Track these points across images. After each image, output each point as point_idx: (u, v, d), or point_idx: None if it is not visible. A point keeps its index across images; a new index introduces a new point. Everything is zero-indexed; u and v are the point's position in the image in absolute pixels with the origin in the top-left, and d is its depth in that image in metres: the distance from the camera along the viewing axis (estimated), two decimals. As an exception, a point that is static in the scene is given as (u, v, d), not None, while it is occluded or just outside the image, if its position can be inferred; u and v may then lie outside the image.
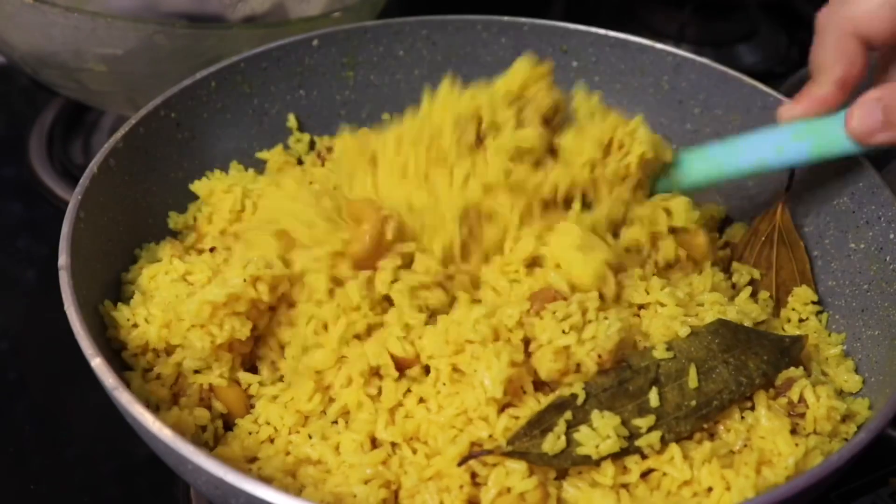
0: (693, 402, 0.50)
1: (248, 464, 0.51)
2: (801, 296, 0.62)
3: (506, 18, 0.76)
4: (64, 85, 0.80)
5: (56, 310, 0.50)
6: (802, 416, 0.51)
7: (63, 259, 0.51)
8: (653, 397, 0.49)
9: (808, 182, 0.66)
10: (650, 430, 0.48)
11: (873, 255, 0.59)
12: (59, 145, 0.91)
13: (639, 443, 0.48)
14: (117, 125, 0.74)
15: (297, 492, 0.49)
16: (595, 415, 0.48)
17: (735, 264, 0.64)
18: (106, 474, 0.65)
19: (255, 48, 0.71)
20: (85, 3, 0.81)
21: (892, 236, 0.58)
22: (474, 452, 0.47)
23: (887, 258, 0.58)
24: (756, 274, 0.63)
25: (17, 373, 0.72)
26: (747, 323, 0.56)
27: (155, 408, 0.53)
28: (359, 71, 0.76)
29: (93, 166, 0.58)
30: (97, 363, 0.46)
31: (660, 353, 0.51)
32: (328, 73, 0.75)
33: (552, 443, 0.47)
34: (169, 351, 0.55)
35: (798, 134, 0.59)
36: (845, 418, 0.52)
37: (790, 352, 0.54)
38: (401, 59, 0.76)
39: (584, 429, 0.47)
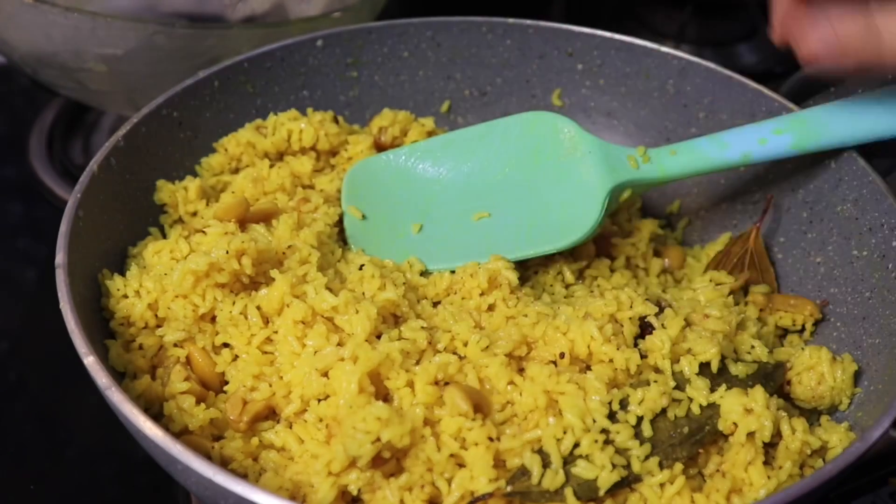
0: (686, 429, 0.50)
1: (212, 441, 0.51)
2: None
3: (511, 20, 0.76)
4: (64, 85, 0.80)
5: (56, 310, 0.50)
6: (775, 446, 0.51)
7: (60, 257, 0.51)
8: (646, 427, 0.50)
9: (811, 188, 0.66)
10: (647, 457, 0.49)
11: (876, 262, 0.59)
12: (59, 145, 0.91)
13: (638, 470, 0.48)
14: (117, 125, 0.73)
15: (257, 475, 0.49)
16: (590, 446, 0.48)
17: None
18: (106, 474, 0.65)
19: (256, 48, 0.71)
20: (85, 3, 0.80)
21: (894, 244, 0.58)
22: (476, 497, 0.47)
23: (889, 266, 0.58)
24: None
25: (17, 373, 0.72)
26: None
27: (132, 376, 0.53)
28: (363, 72, 0.76)
29: (93, 165, 0.58)
30: (90, 361, 0.46)
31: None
32: (332, 73, 0.75)
33: (551, 479, 0.47)
34: (150, 325, 0.55)
35: (779, 128, 0.60)
36: (814, 452, 0.52)
37: (773, 377, 0.55)
38: (405, 60, 0.76)
39: (581, 462, 0.48)
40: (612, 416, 0.50)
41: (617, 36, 0.75)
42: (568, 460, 0.48)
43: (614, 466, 0.48)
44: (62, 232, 0.53)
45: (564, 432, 0.49)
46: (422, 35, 0.76)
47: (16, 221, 0.86)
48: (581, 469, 0.47)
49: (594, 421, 0.49)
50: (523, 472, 0.48)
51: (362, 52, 0.75)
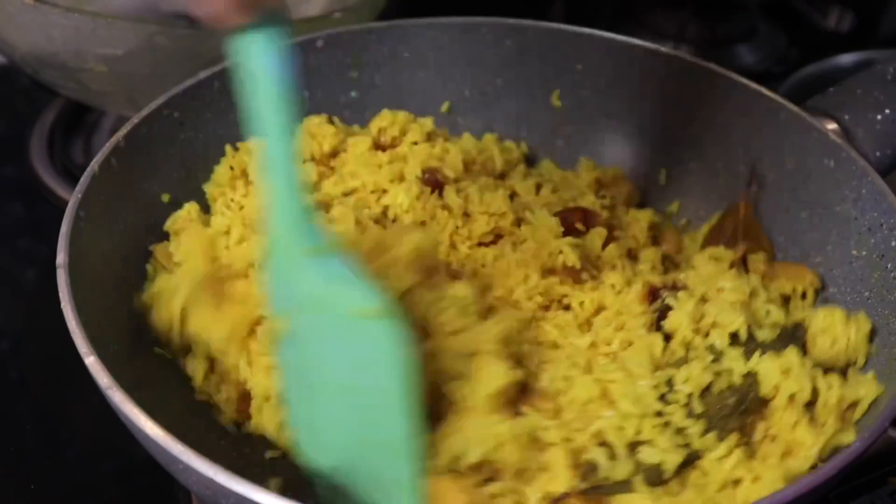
0: (732, 400, 0.51)
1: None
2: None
3: (510, 21, 0.76)
4: (65, 85, 0.80)
5: (57, 310, 0.50)
6: (812, 405, 0.52)
7: (61, 258, 0.51)
8: (696, 404, 0.50)
9: (810, 189, 0.66)
10: (705, 433, 0.49)
11: (875, 262, 0.59)
12: (60, 145, 0.90)
13: (698, 447, 0.49)
14: (118, 125, 0.73)
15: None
16: (651, 431, 0.49)
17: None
18: (106, 474, 0.65)
19: (257, 48, 0.71)
20: (85, 3, 0.80)
21: (893, 244, 0.58)
22: (555, 499, 0.48)
23: (888, 265, 0.58)
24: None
25: (17, 373, 0.72)
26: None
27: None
28: (363, 72, 0.76)
29: (94, 165, 0.58)
30: (91, 361, 0.46)
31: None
32: (332, 74, 0.75)
33: (620, 469, 0.48)
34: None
35: None
36: (849, 406, 0.53)
37: (796, 337, 0.56)
38: (405, 61, 0.76)
39: (644, 448, 0.48)
40: (662, 399, 0.50)
41: (616, 36, 0.75)
42: (631, 448, 0.49)
43: (677, 447, 0.48)
44: (63, 232, 0.53)
45: (624, 420, 0.49)
46: (422, 36, 0.76)
47: (16, 221, 0.86)
48: (646, 455, 0.48)
49: (648, 405, 0.50)
50: (592, 466, 0.48)
51: (362, 52, 0.75)
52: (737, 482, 0.49)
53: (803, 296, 0.62)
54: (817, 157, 0.65)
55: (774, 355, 0.52)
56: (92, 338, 0.48)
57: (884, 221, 0.59)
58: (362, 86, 0.76)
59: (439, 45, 0.76)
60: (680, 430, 0.49)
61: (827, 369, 0.56)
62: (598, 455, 0.48)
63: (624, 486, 0.48)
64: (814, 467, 0.49)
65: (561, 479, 0.48)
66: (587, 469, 0.48)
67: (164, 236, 0.65)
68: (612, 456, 0.48)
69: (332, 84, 0.75)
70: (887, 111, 0.64)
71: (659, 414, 0.49)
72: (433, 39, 0.76)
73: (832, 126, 0.66)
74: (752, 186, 0.67)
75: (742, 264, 0.64)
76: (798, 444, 0.50)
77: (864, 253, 0.60)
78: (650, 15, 1.12)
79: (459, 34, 0.76)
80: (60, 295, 0.50)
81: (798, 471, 0.49)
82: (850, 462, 0.45)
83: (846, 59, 0.96)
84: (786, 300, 0.62)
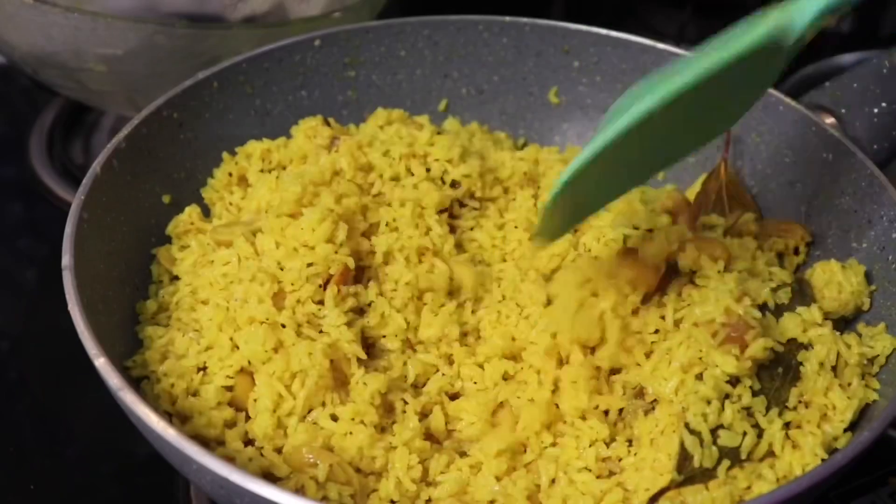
0: (780, 370, 0.52)
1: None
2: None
3: (507, 19, 0.76)
4: (64, 85, 0.80)
5: (56, 310, 0.50)
6: (834, 367, 0.53)
7: (67, 259, 0.51)
8: (754, 382, 0.51)
9: (809, 182, 0.66)
10: (768, 409, 0.50)
11: (875, 254, 0.59)
12: (60, 145, 0.91)
13: (765, 425, 0.50)
14: (117, 125, 0.74)
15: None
16: (730, 415, 0.49)
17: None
18: (106, 474, 0.65)
19: (256, 48, 0.71)
20: (85, 3, 0.81)
21: (894, 235, 0.58)
22: (655, 495, 0.48)
23: (889, 257, 0.58)
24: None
25: (17, 373, 0.72)
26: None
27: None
28: (361, 71, 0.76)
29: (96, 167, 0.58)
30: (101, 363, 0.46)
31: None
32: (330, 73, 0.75)
33: (708, 457, 0.49)
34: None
35: None
36: (868, 361, 0.54)
37: (805, 294, 0.57)
38: (402, 60, 0.76)
39: (722, 433, 0.49)
40: (731, 382, 0.51)
41: (613, 33, 0.75)
42: (713, 434, 0.49)
43: (751, 428, 0.49)
44: (68, 234, 0.53)
45: (709, 404, 0.49)
46: (419, 34, 0.76)
47: (16, 221, 0.86)
48: (726, 439, 0.49)
49: (724, 388, 0.50)
50: (685, 456, 0.49)
51: (360, 51, 0.75)
52: (773, 453, 0.50)
53: (796, 251, 0.63)
54: (816, 151, 0.65)
55: (794, 315, 0.53)
56: (99, 339, 0.48)
57: (883, 213, 0.59)
58: (360, 85, 0.76)
59: (436, 42, 0.76)
60: (747, 409, 0.50)
61: (837, 319, 0.58)
62: (690, 444, 0.48)
63: (713, 472, 0.48)
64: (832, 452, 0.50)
65: (663, 472, 0.48)
66: (682, 460, 0.49)
67: (166, 237, 0.65)
68: (702, 443, 0.49)
69: (331, 83, 0.76)
70: (884, 104, 0.64)
71: (727, 396, 0.50)
72: (430, 38, 0.76)
73: (830, 120, 0.66)
74: (730, 148, 0.68)
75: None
76: (830, 408, 0.51)
77: (864, 245, 0.60)
78: (651, 15, 1.13)
79: (456, 32, 0.76)
80: (67, 297, 0.49)
81: (833, 436, 0.50)
82: (849, 462, 0.45)
83: (847, 58, 0.96)
84: (779, 256, 0.63)
